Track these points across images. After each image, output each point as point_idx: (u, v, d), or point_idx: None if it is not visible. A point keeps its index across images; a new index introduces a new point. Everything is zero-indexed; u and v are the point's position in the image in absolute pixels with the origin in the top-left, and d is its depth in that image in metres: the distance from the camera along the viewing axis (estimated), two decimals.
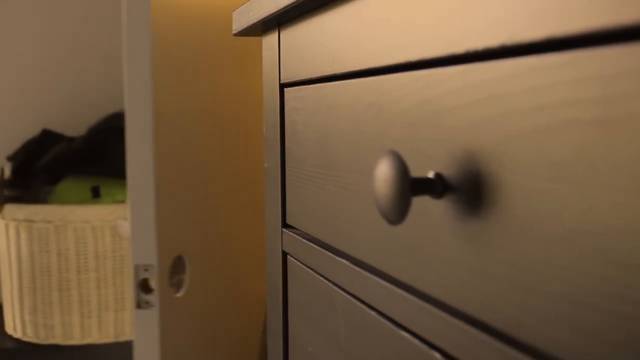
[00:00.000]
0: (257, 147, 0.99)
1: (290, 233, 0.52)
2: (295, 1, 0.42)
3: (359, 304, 0.39)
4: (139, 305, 0.79)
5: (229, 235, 0.96)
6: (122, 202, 1.44)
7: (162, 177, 0.84)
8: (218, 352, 0.93)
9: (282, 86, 0.53)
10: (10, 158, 1.62)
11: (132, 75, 0.81)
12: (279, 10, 0.45)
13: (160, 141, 0.84)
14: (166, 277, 0.82)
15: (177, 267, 0.88)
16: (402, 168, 0.28)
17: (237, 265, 0.96)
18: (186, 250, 0.87)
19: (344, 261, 0.41)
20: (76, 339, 1.41)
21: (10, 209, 1.46)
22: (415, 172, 0.32)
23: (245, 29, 0.55)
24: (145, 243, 0.80)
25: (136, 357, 0.81)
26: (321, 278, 0.45)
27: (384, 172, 0.28)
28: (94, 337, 1.42)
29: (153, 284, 0.80)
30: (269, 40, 0.55)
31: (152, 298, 0.78)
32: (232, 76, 1.01)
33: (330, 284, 0.43)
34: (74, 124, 1.69)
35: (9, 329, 1.46)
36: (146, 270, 0.79)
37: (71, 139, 1.62)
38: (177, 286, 0.86)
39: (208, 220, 0.92)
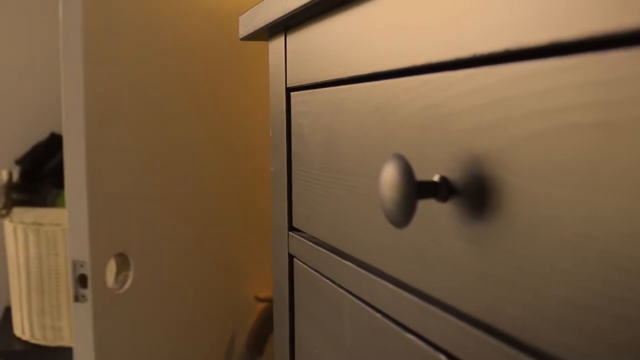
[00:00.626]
0: (202, 149, 1.01)
1: (297, 236, 0.52)
2: (302, 5, 0.42)
3: (365, 306, 0.39)
4: (76, 298, 0.84)
5: (175, 235, 0.97)
6: None
7: (98, 178, 0.86)
8: (159, 350, 0.95)
9: (289, 90, 0.53)
10: (19, 162, 1.63)
11: (67, 72, 0.84)
12: (285, 15, 0.46)
13: (96, 147, 0.85)
14: (102, 273, 0.86)
15: (126, 265, 0.91)
16: (407, 172, 0.28)
17: (184, 264, 0.98)
18: (130, 248, 0.90)
19: (350, 264, 0.41)
20: None
21: (18, 212, 1.47)
22: (421, 175, 0.32)
23: (252, 33, 0.55)
24: (79, 240, 0.84)
25: (75, 347, 0.85)
26: (327, 281, 0.45)
27: (389, 175, 0.29)
28: None
29: (88, 279, 0.84)
30: (276, 45, 0.56)
31: (88, 292, 0.82)
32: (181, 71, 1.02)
33: (336, 287, 0.44)
34: None
35: (17, 331, 1.47)
36: (82, 266, 0.82)
37: None
38: (123, 282, 0.91)
39: (154, 220, 0.94)
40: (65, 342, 1.42)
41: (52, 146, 1.62)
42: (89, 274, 0.83)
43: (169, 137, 0.96)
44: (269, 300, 1.09)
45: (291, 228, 0.54)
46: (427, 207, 0.32)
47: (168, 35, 0.96)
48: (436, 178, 0.29)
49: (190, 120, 1.00)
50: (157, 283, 0.95)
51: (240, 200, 1.10)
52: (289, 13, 0.45)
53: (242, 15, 0.58)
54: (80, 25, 0.81)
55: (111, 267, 0.92)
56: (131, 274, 0.91)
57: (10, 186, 1.56)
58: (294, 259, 0.53)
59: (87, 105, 0.83)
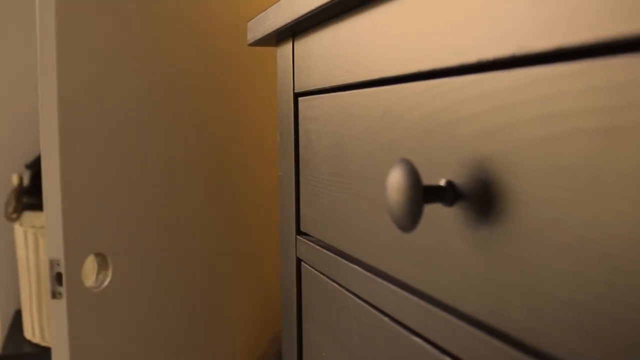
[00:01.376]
0: (191, 150, 1.02)
1: (304, 240, 0.52)
2: (310, 12, 0.42)
3: (371, 309, 0.39)
4: (53, 295, 0.87)
5: (154, 236, 0.99)
6: None
7: (73, 181, 0.89)
8: (136, 349, 0.97)
9: (296, 95, 0.54)
10: (29, 166, 1.65)
11: (43, 77, 0.86)
12: (293, 21, 0.46)
13: (71, 149, 0.87)
14: (77, 272, 0.89)
15: (106, 264, 0.94)
16: (414, 176, 0.28)
17: (163, 266, 0.99)
18: (108, 248, 0.93)
19: (357, 267, 0.41)
20: None
21: (28, 216, 1.49)
22: (427, 180, 0.32)
23: (260, 39, 0.56)
24: (55, 240, 0.87)
25: (53, 343, 0.88)
26: (334, 284, 0.46)
27: (396, 180, 0.29)
28: None
29: (63, 277, 0.88)
30: (284, 50, 0.56)
31: (63, 290, 0.87)
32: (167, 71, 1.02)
33: (343, 290, 0.44)
34: None
35: (27, 334, 1.49)
36: (58, 264, 0.85)
37: None
38: (103, 282, 0.94)
39: (132, 221, 0.96)
40: None
41: None
42: (64, 272, 0.86)
43: (153, 141, 0.98)
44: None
45: (299, 232, 0.54)
46: (433, 211, 0.32)
47: (170, 40, 0.97)
48: (442, 182, 0.30)
49: (178, 122, 1.01)
50: (135, 283, 0.97)
51: (227, 203, 1.11)
52: (297, 19, 0.45)
53: (251, 21, 0.59)
54: (54, 29, 0.84)
55: (92, 266, 0.94)
56: (110, 273, 0.93)
57: (21, 190, 1.58)
58: (302, 262, 0.53)
59: (61, 108, 0.86)
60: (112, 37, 0.91)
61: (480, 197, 0.28)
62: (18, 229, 1.49)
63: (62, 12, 0.86)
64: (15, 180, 1.59)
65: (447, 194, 0.29)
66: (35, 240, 1.43)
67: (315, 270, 0.50)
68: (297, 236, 0.54)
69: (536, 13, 0.24)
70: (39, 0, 0.86)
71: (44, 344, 1.45)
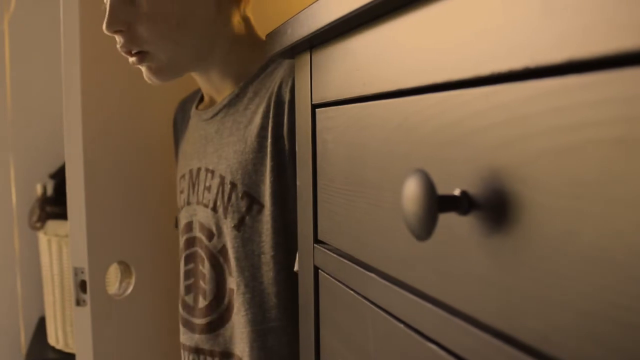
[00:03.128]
0: None
1: (322, 248, 0.53)
2: (327, 25, 0.43)
3: (387, 316, 0.40)
4: (77, 303, 0.90)
5: (176, 245, 1.01)
6: None
7: (97, 193, 0.91)
8: (157, 356, 0.98)
9: (314, 107, 0.55)
10: (53, 176, 1.68)
11: (67, 77, 0.88)
12: (311, 33, 0.47)
13: (94, 156, 0.90)
14: (101, 280, 0.91)
15: (129, 272, 0.97)
16: (429, 186, 0.29)
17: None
18: (130, 257, 0.95)
19: (374, 275, 0.42)
20: None
21: (52, 225, 1.52)
22: (442, 189, 0.33)
23: (278, 51, 0.57)
24: (79, 249, 0.89)
25: (76, 349, 0.90)
26: (351, 292, 0.46)
27: (412, 190, 0.30)
28: None
29: (87, 285, 0.90)
30: (301, 62, 0.57)
31: (87, 297, 0.89)
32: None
33: (360, 298, 0.44)
34: None
35: (51, 340, 1.51)
36: (82, 272, 0.89)
37: None
38: (126, 289, 0.96)
39: (154, 230, 0.98)
40: None
41: None
42: (87, 280, 0.89)
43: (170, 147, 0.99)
44: None
45: (316, 240, 0.55)
46: (448, 220, 0.32)
47: None
48: (457, 192, 0.30)
49: None
50: (157, 291, 0.99)
51: None
52: (314, 31, 0.46)
53: (269, 33, 0.60)
54: (79, 48, 0.87)
55: (115, 274, 0.96)
56: (132, 281, 0.95)
57: (45, 200, 1.61)
58: (319, 270, 0.54)
59: (85, 119, 0.89)
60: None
61: (494, 206, 0.28)
62: (42, 237, 1.52)
63: (85, 24, 0.88)
64: (39, 190, 1.63)
65: (462, 204, 0.30)
66: (59, 249, 1.45)
67: (333, 278, 0.50)
68: (315, 245, 0.55)
69: (549, 26, 0.25)
70: (63, 14, 0.89)
71: (67, 350, 1.47)
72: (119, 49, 0.75)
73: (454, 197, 0.30)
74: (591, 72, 0.23)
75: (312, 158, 0.54)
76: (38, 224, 1.56)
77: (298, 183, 0.59)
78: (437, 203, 0.29)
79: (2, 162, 1.71)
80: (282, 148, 0.71)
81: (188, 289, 0.82)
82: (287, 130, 0.71)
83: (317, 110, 0.54)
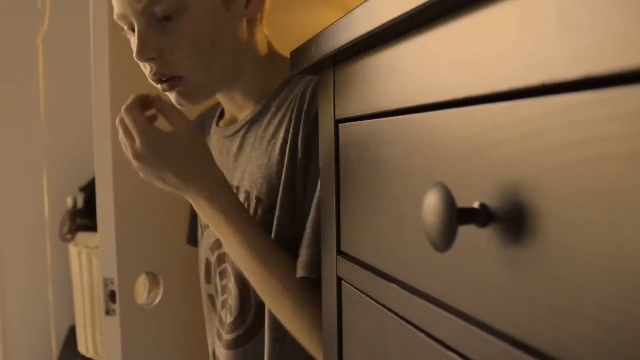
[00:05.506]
0: None
1: (345, 260, 0.54)
2: (350, 42, 0.45)
3: (408, 326, 0.40)
4: (107, 312, 0.92)
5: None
6: None
7: (125, 206, 0.92)
8: None
9: (337, 122, 0.56)
10: (83, 189, 1.72)
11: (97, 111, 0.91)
12: (334, 51, 0.48)
13: (124, 170, 0.90)
14: (130, 290, 0.93)
15: (157, 283, 0.98)
16: (449, 199, 0.30)
17: None
18: (158, 268, 0.97)
19: (395, 286, 0.42)
20: None
21: (82, 237, 1.55)
22: (461, 202, 0.34)
23: (303, 68, 0.59)
24: (109, 260, 0.91)
25: (106, 356, 0.92)
26: (373, 302, 0.47)
27: (432, 203, 0.30)
28: None
29: (117, 295, 0.92)
30: (325, 78, 0.59)
31: (116, 307, 0.91)
32: None
33: (381, 308, 0.45)
34: None
35: (81, 348, 1.54)
36: (112, 283, 0.91)
37: None
38: (154, 299, 0.98)
39: (182, 242, 0.98)
40: None
41: None
42: (117, 290, 0.90)
43: None
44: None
45: (339, 252, 0.56)
46: (467, 232, 0.33)
47: None
48: (476, 205, 0.31)
49: None
50: (185, 301, 1.00)
51: None
52: (338, 49, 0.47)
53: (293, 51, 0.61)
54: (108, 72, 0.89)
55: (144, 284, 0.99)
56: (160, 291, 0.97)
57: (75, 212, 1.65)
58: (342, 281, 0.55)
59: (115, 132, 0.91)
60: None
61: (512, 218, 0.29)
62: (73, 249, 1.56)
63: (115, 41, 0.91)
64: (69, 202, 1.67)
65: (481, 216, 0.30)
66: (89, 260, 1.49)
67: (355, 288, 0.51)
68: (338, 256, 0.55)
69: (565, 43, 0.25)
70: (93, 32, 0.92)
71: (97, 358, 1.50)
72: (150, 77, 0.73)
73: (473, 209, 0.30)
74: (606, 88, 0.23)
75: (336, 172, 0.55)
76: (69, 236, 1.60)
77: (321, 196, 0.60)
78: (457, 216, 0.30)
79: (36, 175, 1.76)
80: (295, 157, 0.71)
81: (222, 305, 0.82)
82: (302, 140, 0.70)
83: (340, 125, 0.55)
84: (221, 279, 0.82)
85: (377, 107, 0.46)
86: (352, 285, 0.52)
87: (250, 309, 0.76)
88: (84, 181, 1.74)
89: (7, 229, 1.78)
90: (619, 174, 0.23)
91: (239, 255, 0.70)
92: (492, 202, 0.30)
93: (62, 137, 1.78)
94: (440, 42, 0.36)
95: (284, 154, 0.73)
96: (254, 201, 0.75)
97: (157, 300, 0.98)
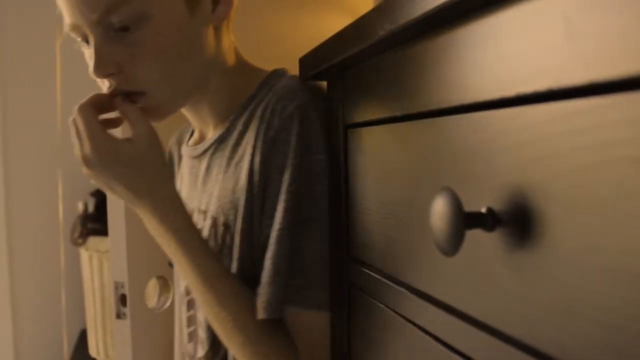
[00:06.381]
0: None
1: (354, 265, 0.54)
2: (358, 50, 0.45)
3: (417, 329, 0.40)
4: (118, 316, 0.92)
5: None
6: None
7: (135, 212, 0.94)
8: None
9: (346, 127, 0.56)
10: (93, 194, 1.74)
11: None
12: (343, 58, 0.49)
13: None
14: (141, 294, 0.94)
15: (167, 287, 0.98)
16: (456, 204, 0.30)
17: None
18: (169, 272, 0.97)
19: (403, 290, 0.43)
20: None
21: (93, 241, 1.57)
22: (468, 207, 0.34)
23: (311, 74, 0.59)
24: (119, 264, 0.92)
25: (116, 359, 0.93)
26: (381, 306, 0.47)
27: (439, 207, 0.31)
28: None
29: (127, 299, 0.93)
30: (334, 84, 0.59)
31: (127, 310, 0.92)
32: None
33: (390, 312, 0.45)
34: None
35: (92, 351, 1.56)
36: (122, 286, 0.92)
37: None
38: (165, 303, 0.99)
39: None
40: None
41: None
42: (128, 294, 0.91)
43: None
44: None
45: (349, 257, 0.56)
46: (474, 236, 0.33)
47: None
48: (483, 209, 0.31)
49: None
50: None
51: None
52: (346, 56, 0.48)
53: (302, 57, 0.62)
54: None
55: (154, 288, 1.00)
56: (170, 295, 0.98)
57: (86, 217, 1.67)
58: (352, 286, 0.55)
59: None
60: None
61: (518, 222, 0.29)
62: (83, 253, 1.58)
63: None
64: (80, 207, 1.69)
65: (488, 220, 0.30)
66: (100, 264, 1.50)
67: (364, 293, 0.52)
68: (347, 261, 0.56)
69: (571, 49, 0.26)
70: None
71: None
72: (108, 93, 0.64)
73: (480, 214, 0.31)
74: (612, 93, 0.24)
75: (345, 177, 0.56)
76: (80, 240, 1.62)
77: (331, 200, 0.60)
78: (464, 220, 0.30)
79: (51, 179, 1.78)
80: (252, 180, 0.63)
81: (190, 337, 0.75)
82: (259, 161, 0.62)
83: (348, 130, 0.55)
84: (188, 309, 0.76)
85: (385, 112, 0.46)
86: (361, 290, 0.52)
87: (221, 341, 0.69)
88: (94, 186, 1.75)
89: (20, 233, 1.80)
90: (625, 179, 0.23)
91: (189, 279, 0.65)
92: (499, 207, 0.31)
93: (71, 142, 1.79)
94: (448, 49, 0.36)
95: (253, 177, 0.65)
96: (222, 227, 0.68)
97: (167, 304, 0.99)
